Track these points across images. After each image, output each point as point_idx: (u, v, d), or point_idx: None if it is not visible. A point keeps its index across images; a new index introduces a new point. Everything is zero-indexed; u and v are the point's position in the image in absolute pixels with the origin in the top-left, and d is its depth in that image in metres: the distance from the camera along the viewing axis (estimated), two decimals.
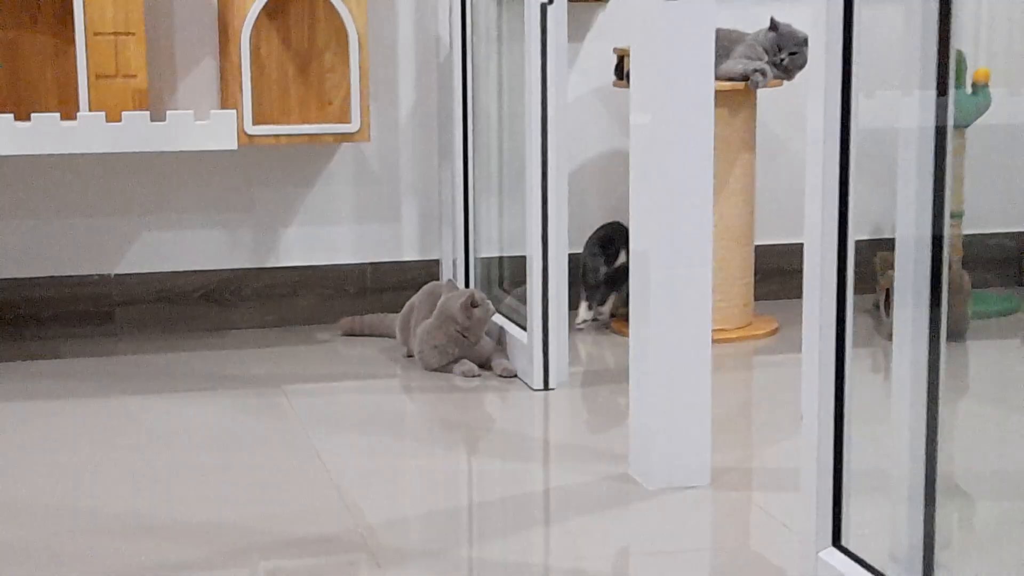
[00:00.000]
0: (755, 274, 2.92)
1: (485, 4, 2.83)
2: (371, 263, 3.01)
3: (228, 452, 2.16)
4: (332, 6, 2.70)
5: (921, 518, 1.51)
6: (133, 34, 2.61)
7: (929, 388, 1.49)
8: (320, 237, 2.99)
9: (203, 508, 1.91)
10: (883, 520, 1.58)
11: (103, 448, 2.18)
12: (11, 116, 2.53)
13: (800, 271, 1.57)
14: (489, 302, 2.58)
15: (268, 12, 2.72)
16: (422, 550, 1.77)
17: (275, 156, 2.94)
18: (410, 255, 3.03)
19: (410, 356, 2.69)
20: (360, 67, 2.71)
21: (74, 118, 2.56)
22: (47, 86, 2.74)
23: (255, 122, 2.68)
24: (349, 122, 2.73)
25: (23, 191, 2.84)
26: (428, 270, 3.01)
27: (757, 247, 2.95)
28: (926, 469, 1.50)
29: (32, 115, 2.54)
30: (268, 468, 2.08)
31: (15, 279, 2.84)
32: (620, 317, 2.87)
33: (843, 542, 1.56)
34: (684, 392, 1.94)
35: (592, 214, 3.03)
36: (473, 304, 2.54)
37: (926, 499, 1.50)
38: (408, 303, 2.73)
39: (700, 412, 1.96)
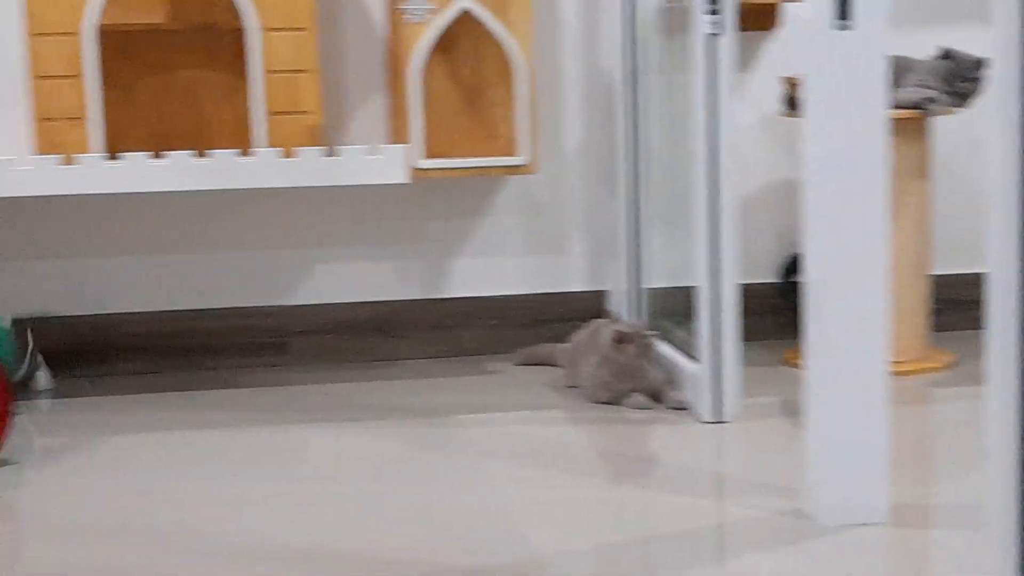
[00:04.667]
0: (930, 305, 2.86)
1: (651, 35, 2.82)
2: (538, 294, 3.02)
3: (397, 482, 2.18)
4: (499, 41, 2.72)
5: None
6: (307, 71, 2.67)
7: None
8: (488, 268, 3.01)
9: (372, 537, 1.92)
10: None
11: (275, 477, 2.21)
12: (190, 153, 2.61)
13: (977, 302, 1.52)
14: (648, 334, 2.56)
15: (436, 47, 2.75)
16: None
17: (444, 189, 2.97)
18: (577, 286, 3.03)
19: (573, 387, 2.69)
20: (527, 100, 2.72)
21: (251, 154, 2.62)
22: (223, 123, 2.81)
23: (425, 156, 2.72)
24: (517, 155, 2.75)
25: (201, 225, 2.91)
26: (595, 301, 3.00)
27: (931, 277, 2.88)
28: None
29: (210, 152, 2.61)
30: (437, 498, 2.09)
31: (193, 310, 2.92)
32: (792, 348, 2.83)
33: None
34: (861, 426, 1.90)
35: (759, 244, 3.00)
36: (623, 340, 2.53)
37: None
38: (575, 336, 2.73)
39: (877, 446, 1.91)
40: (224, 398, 2.70)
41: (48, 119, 2.62)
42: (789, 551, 1.86)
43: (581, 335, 2.72)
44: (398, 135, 2.81)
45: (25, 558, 1.89)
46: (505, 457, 2.29)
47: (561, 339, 2.90)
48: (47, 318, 2.87)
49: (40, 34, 2.61)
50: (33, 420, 2.58)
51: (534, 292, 3.02)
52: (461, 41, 2.81)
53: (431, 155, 2.76)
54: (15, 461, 2.31)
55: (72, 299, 2.88)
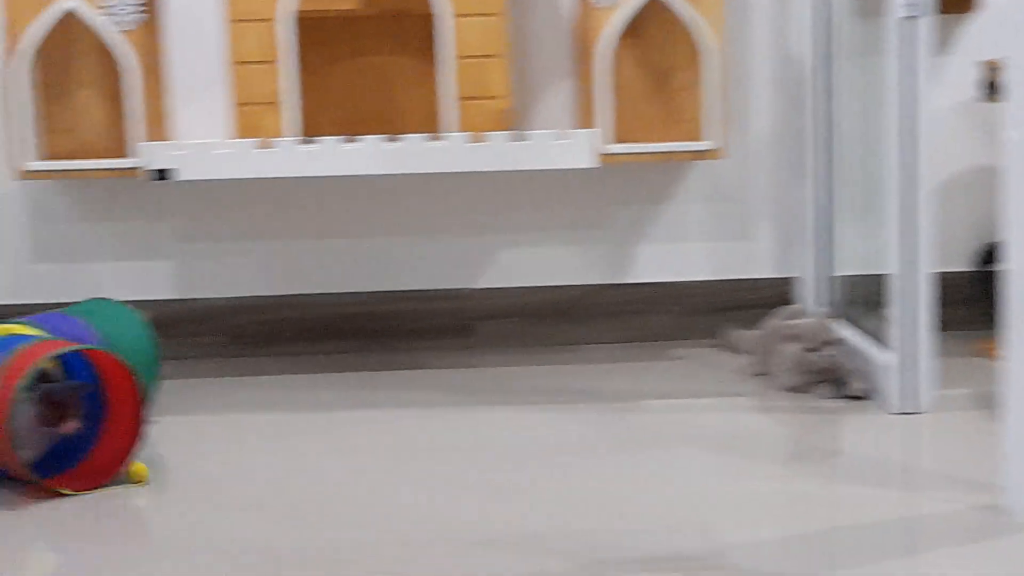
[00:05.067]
0: None
1: (844, 17, 2.77)
2: (724, 280, 3.00)
3: (581, 466, 2.18)
4: (689, 25, 2.70)
5: None
6: (497, 56, 2.69)
7: None
8: (673, 254, 2.99)
9: (555, 521, 1.94)
10: None
11: (459, 459, 2.24)
12: (381, 137, 2.65)
13: None
14: (836, 325, 2.52)
15: (625, 31, 2.75)
16: (777, 574, 1.74)
17: (630, 174, 2.96)
18: (764, 273, 2.99)
19: (761, 375, 2.66)
20: (716, 84, 2.70)
21: (440, 139, 2.66)
22: (414, 108, 2.85)
23: (612, 141, 2.72)
24: (704, 140, 2.73)
25: (389, 209, 2.96)
26: (783, 289, 2.97)
27: None
28: None
29: (402, 136, 2.65)
30: (620, 483, 2.09)
31: (382, 292, 2.97)
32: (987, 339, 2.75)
33: None
34: None
35: (954, 232, 2.92)
36: (817, 331, 2.50)
37: None
38: (767, 323, 2.70)
39: None
40: (409, 380, 2.75)
41: (246, 104, 2.70)
42: (983, 547, 1.81)
43: (770, 323, 2.69)
44: (585, 120, 2.82)
45: (220, 535, 1.95)
46: (690, 444, 2.28)
47: (747, 326, 2.87)
48: (239, 300, 2.95)
49: (240, 20, 2.68)
50: (221, 397, 2.66)
51: (719, 279, 3.00)
52: (649, 25, 2.80)
53: (619, 140, 2.76)
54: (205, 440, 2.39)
55: (264, 281, 2.96)
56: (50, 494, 2.04)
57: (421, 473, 2.17)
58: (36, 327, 2.29)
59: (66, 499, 2.04)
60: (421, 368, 2.83)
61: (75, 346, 2.11)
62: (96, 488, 2.07)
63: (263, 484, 2.14)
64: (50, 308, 2.71)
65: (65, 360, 2.18)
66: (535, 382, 2.70)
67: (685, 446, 2.26)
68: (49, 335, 2.22)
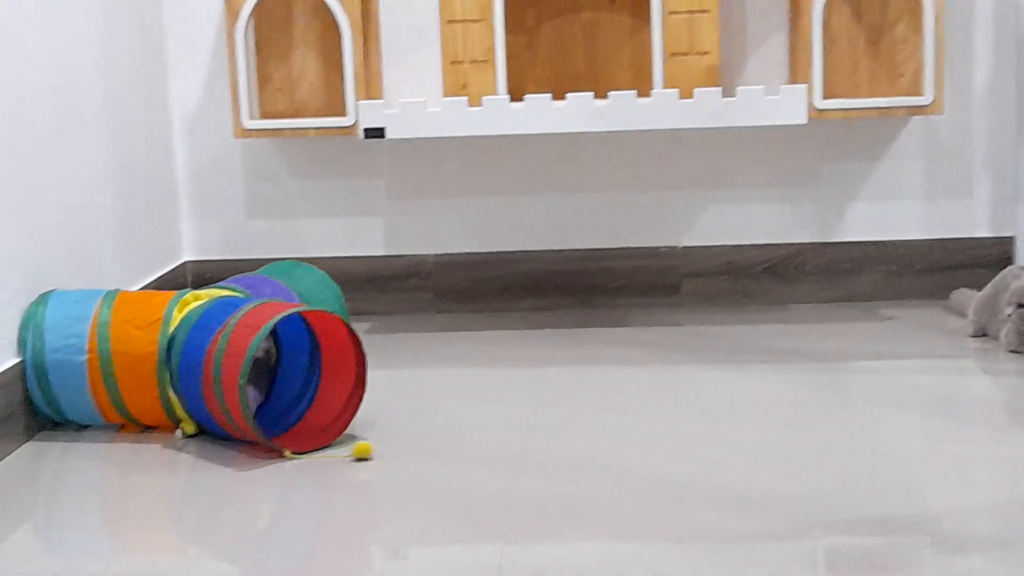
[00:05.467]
0: None
1: None
2: (939, 239, 2.92)
3: (790, 426, 2.16)
4: None
5: None
6: (707, 12, 2.66)
7: None
8: (886, 212, 2.92)
9: (761, 480, 1.92)
10: None
11: (665, 415, 2.24)
12: (591, 95, 2.65)
13: None
14: None
15: None
16: (989, 540, 1.70)
17: (842, 130, 2.90)
18: (982, 232, 2.90)
19: (978, 336, 2.59)
20: (935, 37, 2.62)
21: (649, 95, 2.64)
22: (622, 65, 2.84)
23: (824, 96, 2.66)
24: (921, 95, 2.65)
25: (595, 166, 2.96)
26: (1001, 248, 2.87)
27: None
28: None
29: (609, 94, 2.65)
30: (828, 445, 2.06)
31: (588, 250, 2.98)
32: None
33: None
34: None
35: None
36: None
37: None
38: (991, 284, 2.61)
39: None
40: (614, 337, 2.75)
41: (456, 62, 2.73)
42: None
43: (992, 283, 2.60)
44: (797, 75, 2.77)
45: (434, 481, 1.99)
46: (900, 406, 2.23)
47: (964, 287, 2.79)
48: (447, 256, 3.00)
49: None
50: (428, 351, 2.70)
51: (935, 237, 2.92)
52: None
53: (831, 95, 2.70)
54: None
55: (471, 238, 3.00)
56: (274, 454, 2.10)
57: (627, 430, 2.18)
58: (240, 291, 2.36)
59: (288, 458, 2.11)
60: (626, 326, 2.83)
61: (301, 308, 2.14)
62: (318, 449, 2.11)
63: (473, 437, 2.17)
64: (261, 265, 2.79)
65: (283, 323, 2.24)
66: (741, 341, 2.68)
67: (896, 408, 2.22)
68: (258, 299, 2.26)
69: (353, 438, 2.13)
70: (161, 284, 2.82)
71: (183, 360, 2.12)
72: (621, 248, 2.98)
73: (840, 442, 2.07)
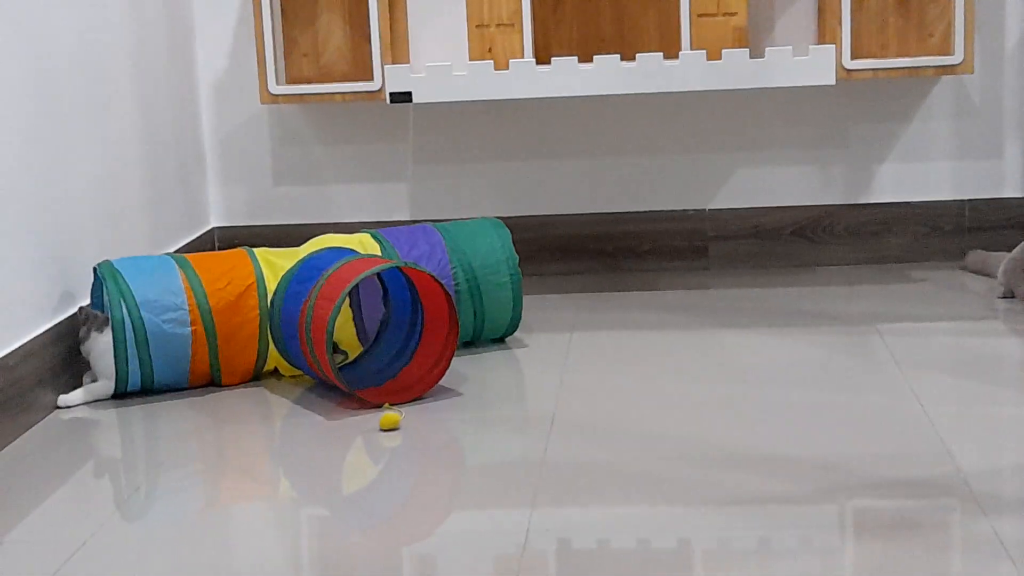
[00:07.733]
0: None
1: None
2: (969, 200, 2.90)
3: (818, 389, 2.15)
4: None
5: None
6: None
7: None
8: (916, 173, 2.90)
9: (793, 443, 1.92)
10: None
11: (695, 379, 2.24)
12: (617, 57, 2.64)
13: None
14: None
15: None
16: (1019, 501, 1.69)
17: (871, 90, 2.88)
18: (1013, 192, 2.88)
19: (1006, 297, 2.57)
20: None
21: (676, 57, 2.63)
22: (649, 27, 2.83)
23: (853, 56, 2.64)
24: (951, 54, 2.63)
25: (622, 129, 2.95)
26: None
27: None
28: None
29: (637, 56, 2.63)
30: (859, 407, 2.06)
31: (615, 213, 2.97)
32: None
33: None
34: None
35: None
36: None
37: None
38: (1020, 247, 2.59)
39: None
40: (644, 300, 2.75)
41: (481, 25, 2.71)
42: None
43: (1021, 246, 2.58)
44: (825, 35, 2.74)
45: (482, 447, 1.99)
46: (930, 368, 2.22)
47: (994, 247, 2.77)
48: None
49: None
50: None
51: (965, 198, 2.90)
52: None
53: (860, 56, 2.68)
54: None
55: (499, 202, 2.99)
56: (365, 405, 2.12)
57: (654, 393, 2.17)
58: (380, 240, 2.38)
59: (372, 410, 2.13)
60: (654, 289, 2.83)
61: (391, 263, 2.13)
62: (409, 402, 2.13)
63: (500, 401, 2.17)
64: (288, 230, 2.79)
65: (386, 277, 2.27)
66: (770, 304, 2.67)
67: (925, 370, 2.21)
68: (366, 254, 2.26)
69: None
70: (188, 250, 2.83)
71: (284, 319, 2.19)
72: (648, 211, 2.97)
73: (869, 404, 2.07)
